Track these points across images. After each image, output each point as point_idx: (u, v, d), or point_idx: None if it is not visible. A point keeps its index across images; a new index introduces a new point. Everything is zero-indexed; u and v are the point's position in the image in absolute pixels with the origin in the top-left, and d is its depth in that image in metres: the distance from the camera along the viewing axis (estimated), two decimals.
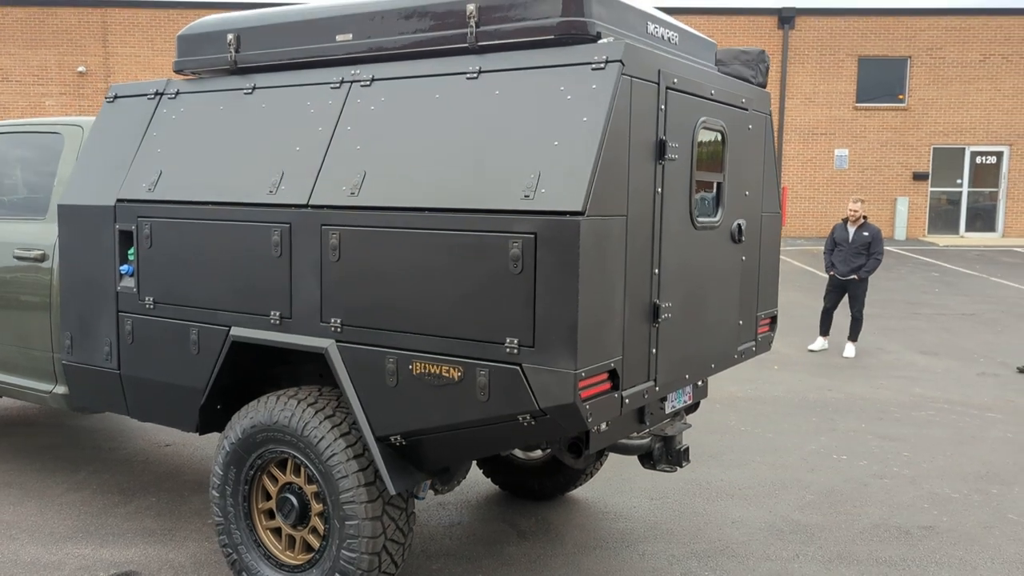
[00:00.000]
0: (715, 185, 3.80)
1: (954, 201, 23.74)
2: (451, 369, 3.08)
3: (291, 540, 3.71)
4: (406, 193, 3.20)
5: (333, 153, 3.46)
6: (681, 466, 3.85)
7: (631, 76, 3.03)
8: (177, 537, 4.50)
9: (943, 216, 23.76)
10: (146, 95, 4.21)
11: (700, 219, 3.62)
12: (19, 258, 4.68)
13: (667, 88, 3.27)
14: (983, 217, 23.73)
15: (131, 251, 4.04)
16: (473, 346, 3.04)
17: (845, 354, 9.46)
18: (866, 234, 9.45)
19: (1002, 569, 4.32)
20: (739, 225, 3.95)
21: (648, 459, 3.85)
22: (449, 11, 3.34)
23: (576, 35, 3.10)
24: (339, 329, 3.36)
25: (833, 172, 23.54)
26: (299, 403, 3.52)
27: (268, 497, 3.75)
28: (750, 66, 4.32)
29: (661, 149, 3.25)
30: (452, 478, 3.87)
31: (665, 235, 3.35)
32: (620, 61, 2.96)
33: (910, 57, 23.14)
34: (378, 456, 3.30)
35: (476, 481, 5.35)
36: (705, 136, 3.63)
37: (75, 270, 4.25)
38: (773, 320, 4.53)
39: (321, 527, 3.56)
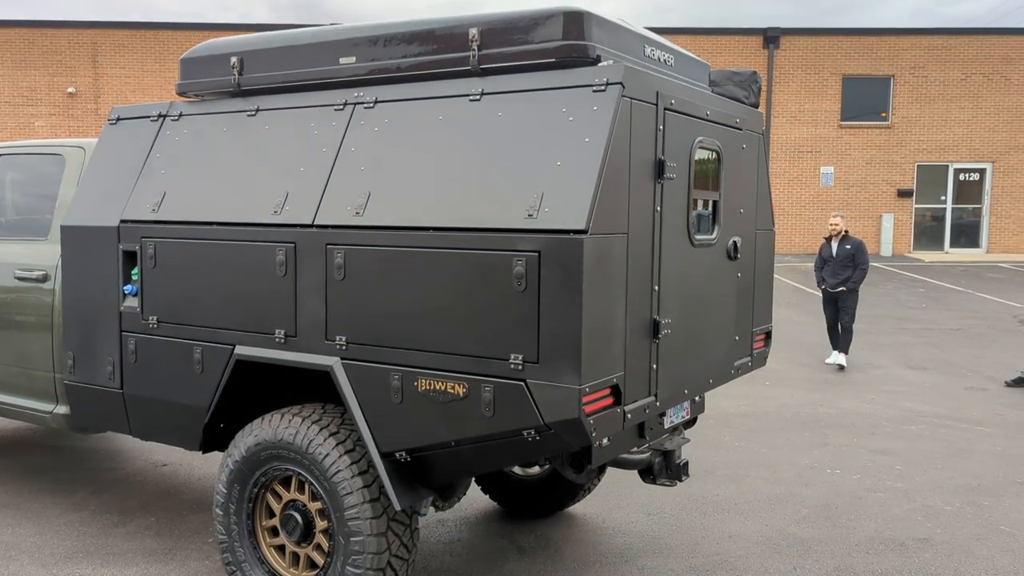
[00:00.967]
0: (711, 203, 3.88)
1: (938, 217, 24.01)
2: (456, 385, 3.13)
3: (295, 557, 3.73)
4: (410, 212, 3.26)
5: (337, 174, 3.52)
6: (681, 480, 3.90)
7: (631, 98, 3.11)
8: (178, 556, 4.51)
9: (928, 232, 24.03)
10: (149, 117, 4.26)
11: (697, 237, 3.70)
12: (20, 279, 4.70)
13: (665, 109, 3.35)
14: (967, 233, 24.01)
15: (134, 271, 4.08)
16: (478, 362, 3.09)
17: (831, 361, 9.70)
18: (848, 247, 9.73)
19: None
20: (735, 242, 4.03)
21: (648, 473, 3.90)
22: (451, 34, 3.42)
23: (577, 58, 3.18)
24: (344, 347, 3.40)
25: (819, 189, 23.79)
26: (303, 421, 3.56)
27: (272, 515, 3.78)
28: (743, 86, 4.42)
29: (660, 168, 3.33)
30: (453, 494, 3.91)
31: (664, 252, 3.42)
32: (620, 83, 3.04)
33: (893, 76, 23.47)
34: (383, 472, 3.34)
35: (475, 498, 5.38)
36: (701, 155, 3.71)
37: (78, 290, 4.28)
38: (768, 336, 4.61)
39: (325, 544, 3.59)
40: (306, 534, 3.64)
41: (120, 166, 4.25)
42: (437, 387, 3.17)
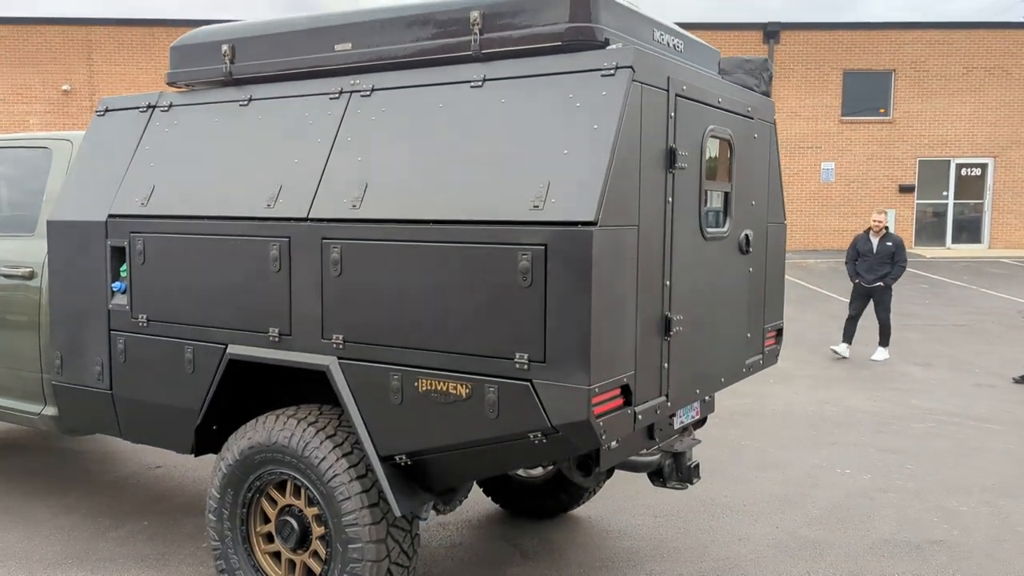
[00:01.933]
0: (723, 195, 3.73)
1: (940, 213, 23.88)
2: (458, 386, 2.98)
3: (291, 564, 3.58)
4: (409, 205, 3.11)
5: (333, 165, 3.37)
6: (692, 483, 3.76)
7: (641, 82, 2.96)
8: (172, 562, 4.36)
9: (929, 228, 23.89)
10: (138, 108, 4.11)
11: (709, 230, 3.55)
12: (6, 276, 4.55)
13: (676, 95, 3.20)
14: (968, 229, 23.88)
15: (123, 268, 3.93)
16: (481, 362, 2.94)
17: (875, 358, 9.80)
18: (890, 244, 9.84)
19: None
20: (746, 235, 3.89)
21: (658, 476, 3.76)
22: (452, 18, 3.27)
23: (584, 41, 3.03)
24: (341, 346, 3.25)
25: (820, 185, 23.65)
26: (299, 423, 3.41)
27: (267, 520, 3.63)
28: (753, 75, 4.27)
29: (671, 157, 3.18)
30: (455, 498, 3.76)
31: (676, 246, 3.27)
32: (631, 67, 2.89)
33: (894, 70, 23.33)
34: (382, 477, 3.19)
35: (477, 500, 5.23)
36: (713, 145, 3.56)
37: (65, 288, 4.13)
38: (779, 333, 4.46)
39: (323, 551, 3.44)
40: (302, 540, 3.49)
41: (108, 159, 4.09)
42: (438, 388, 3.02)
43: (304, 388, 3.85)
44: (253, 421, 3.54)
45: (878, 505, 5.26)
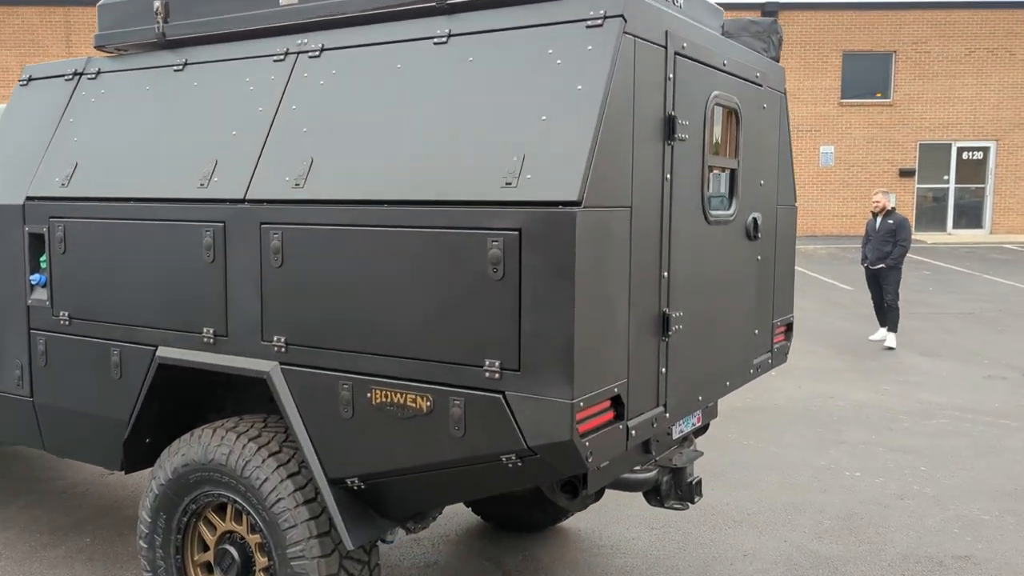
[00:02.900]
0: (728, 173, 3.26)
1: (940, 198, 23.42)
2: (418, 398, 2.51)
3: None
4: (361, 183, 2.63)
5: (275, 137, 2.88)
6: (693, 502, 3.30)
7: (634, 36, 2.47)
8: None
9: (929, 213, 23.43)
10: (63, 76, 3.61)
11: (713, 212, 3.08)
12: None
13: (676, 53, 2.72)
14: (969, 214, 23.42)
15: (43, 258, 3.44)
16: (445, 370, 2.47)
17: (875, 338, 9.60)
18: (891, 222, 9.55)
19: None
20: (755, 219, 3.42)
21: (655, 495, 3.29)
22: None
23: None
24: (283, 349, 2.78)
25: (819, 169, 23.17)
26: (239, 437, 2.94)
27: (205, 548, 3.16)
28: (761, 38, 3.78)
29: (670, 126, 2.70)
30: (427, 515, 3.30)
31: (675, 231, 2.79)
32: (621, 16, 2.41)
33: (895, 52, 22.80)
34: (332, 503, 2.72)
35: (455, 511, 4.77)
36: (717, 114, 3.08)
37: None
38: (789, 328, 4.00)
39: None
40: (245, 573, 3.02)
41: (29, 134, 3.60)
42: (395, 400, 2.55)
43: (250, 396, 3.38)
44: (188, 435, 3.07)
45: (894, 514, 4.82)
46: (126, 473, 3.42)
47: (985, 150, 23.09)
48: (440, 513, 3.45)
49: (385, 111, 2.68)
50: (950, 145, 23.12)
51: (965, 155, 23.18)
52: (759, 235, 3.45)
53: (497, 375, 2.37)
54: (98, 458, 3.43)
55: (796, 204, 4.01)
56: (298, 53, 2.97)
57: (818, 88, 23.05)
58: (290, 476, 2.84)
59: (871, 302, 9.95)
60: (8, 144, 3.65)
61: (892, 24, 22.72)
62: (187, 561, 3.16)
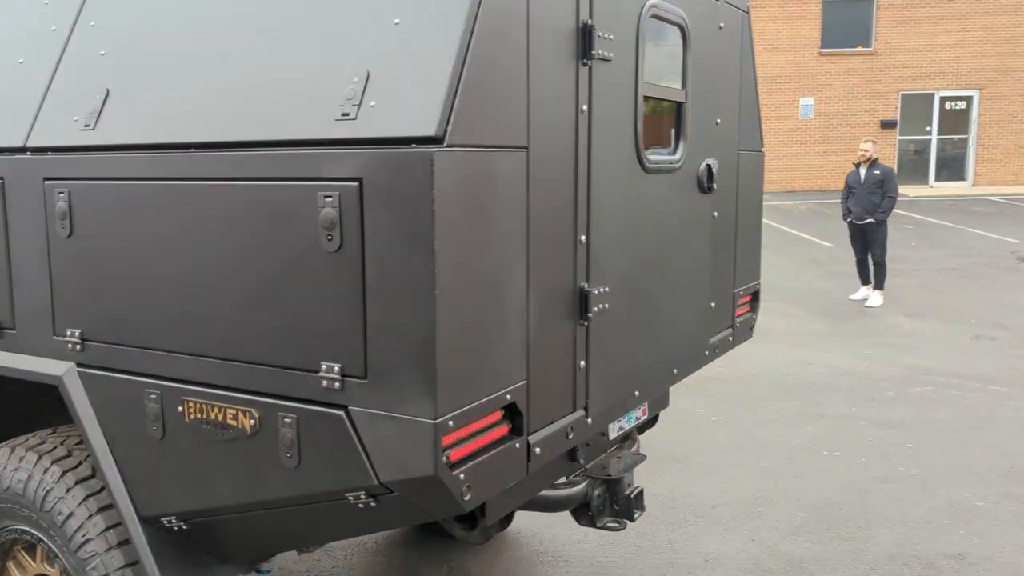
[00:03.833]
0: (673, 108, 2.58)
1: (922, 150, 22.81)
2: (239, 414, 1.84)
3: None
4: (166, 122, 1.93)
5: (68, 64, 2.17)
6: (633, 519, 2.67)
7: None
8: None
9: (910, 166, 22.82)
10: None
11: (652, 157, 2.41)
12: None
13: None
14: (951, 166, 22.85)
15: None
16: (272, 376, 1.80)
17: (869, 303, 9.04)
18: (877, 172, 9.02)
19: None
20: (708, 167, 2.75)
21: (585, 513, 2.65)
22: None
23: None
24: (79, 346, 2.10)
25: (798, 122, 22.47)
26: (40, 459, 2.27)
27: None
28: None
29: (586, 40, 2.02)
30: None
31: (597, 181, 2.13)
32: None
33: None
34: (144, 548, 2.06)
35: None
36: (657, 30, 2.40)
37: None
38: (755, 297, 3.37)
39: None
40: None
41: None
42: (212, 416, 1.88)
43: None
44: None
45: (877, 502, 4.24)
46: None
47: (968, 99, 22.46)
48: None
49: (199, 27, 1.98)
50: (933, 95, 22.47)
51: (948, 105, 22.55)
52: (714, 186, 2.79)
53: (337, 384, 1.71)
54: None
55: (763, 150, 3.34)
56: None
57: (797, 37, 22.26)
58: (101, 510, 2.18)
59: (853, 260, 9.37)
60: None
61: None
62: None
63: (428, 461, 1.63)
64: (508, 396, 1.84)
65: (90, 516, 2.17)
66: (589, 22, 2.02)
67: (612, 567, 3.63)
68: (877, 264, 9.04)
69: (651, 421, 3.13)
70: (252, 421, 1.82)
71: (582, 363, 2.13)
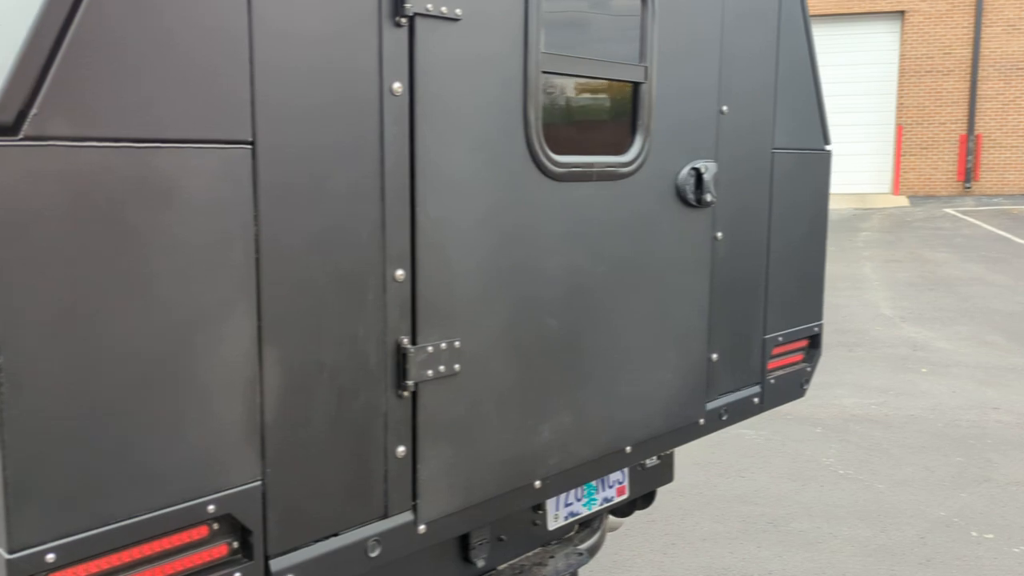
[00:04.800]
0: (632, 89, 1.87)
1: None
2: None
3: None
4: None
5: None
6: None
7: None
8: None
9: None
10: None
11: (567, 159, 1.71)
12: None
13: None
14: None
15: None
16: None
17: None
18: None
19: None
20: (697, 172, 1.99)
21: None
22: None
23: None
24: None
25: None
26: None
27: None
28: None
29: None
30: None
31: (430, 192, 1.49)
32: None
33: None
34: None
35: None
36: None
37: None
38: (813, 342, 2.52)
39: None
40: None
41: None
42: None
43: None
44: None
45: None
46: None
47: None
48: None
49: None
50: None
51: None
52: (709, 198, 2.02)
53: None
54: None
55: (829, 147, 2.48)
56: None
57: None
58: None
59: None
60: None
61: None
62: None
63: None
64: (211, 507, 1.25)
65: None
66: None
67: None
68: None
69: (649, 496, 2.40)
70: None
71: (400, 449, 1.49)
